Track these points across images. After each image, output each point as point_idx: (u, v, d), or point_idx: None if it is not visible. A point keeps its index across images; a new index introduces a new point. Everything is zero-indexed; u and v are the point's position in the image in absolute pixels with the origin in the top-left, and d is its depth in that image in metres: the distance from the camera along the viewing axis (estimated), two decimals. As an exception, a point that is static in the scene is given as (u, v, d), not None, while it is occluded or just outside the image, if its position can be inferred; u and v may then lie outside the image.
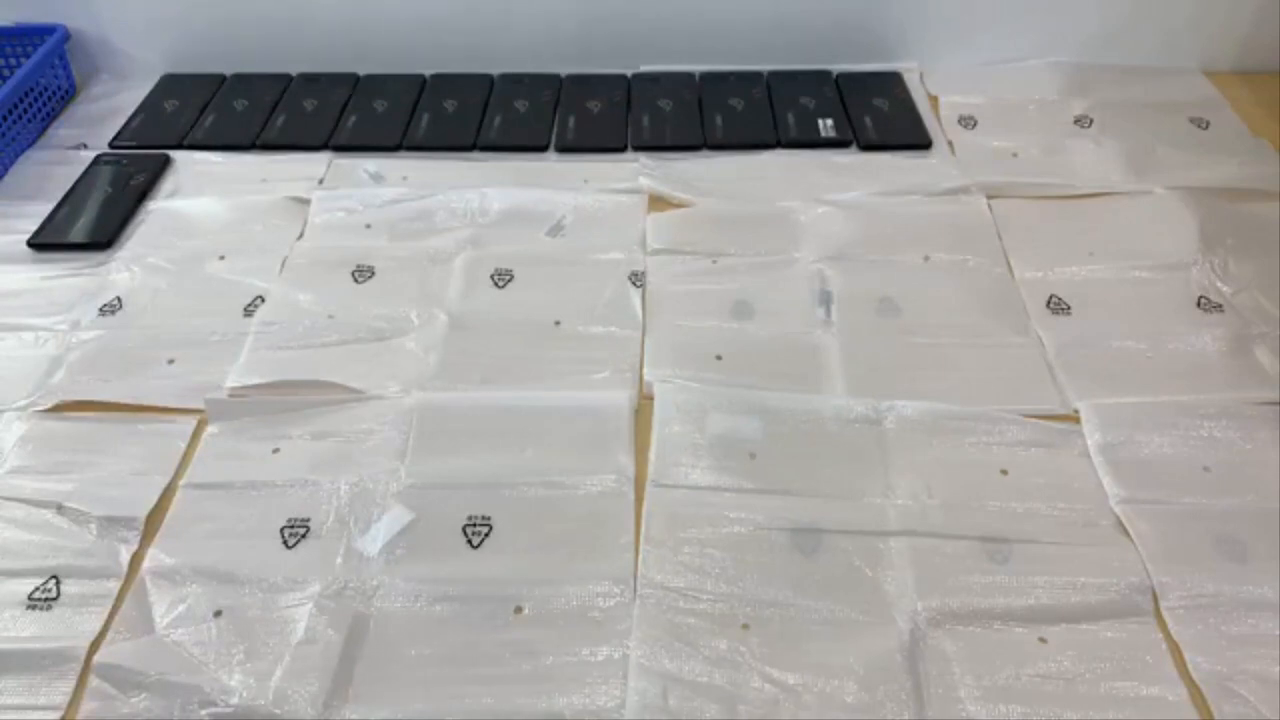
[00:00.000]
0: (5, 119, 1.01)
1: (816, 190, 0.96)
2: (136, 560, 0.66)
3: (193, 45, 1.15)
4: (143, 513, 0.69)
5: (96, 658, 0.60)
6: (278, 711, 0.57)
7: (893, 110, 1.06)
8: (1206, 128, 1.04)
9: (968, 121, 1.05)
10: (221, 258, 0.91)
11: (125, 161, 1.02)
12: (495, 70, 1.14)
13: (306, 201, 0.97)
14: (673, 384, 0.76)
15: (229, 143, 1.05)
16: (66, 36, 1.13)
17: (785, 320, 0.83)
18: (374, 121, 1.07)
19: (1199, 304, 0.83)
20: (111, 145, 1.05)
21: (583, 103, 1.09)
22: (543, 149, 1.04)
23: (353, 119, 1.07)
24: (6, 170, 1.02)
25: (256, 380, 0.78)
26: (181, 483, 0.71)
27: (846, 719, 0.57)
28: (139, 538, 0.67)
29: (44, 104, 1.09)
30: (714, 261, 0.88)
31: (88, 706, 0.59)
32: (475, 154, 1.04)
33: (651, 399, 0.76)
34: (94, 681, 0.60)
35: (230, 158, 1.04)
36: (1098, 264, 0.87)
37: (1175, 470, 0.70)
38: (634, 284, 0.86)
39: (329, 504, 0.69)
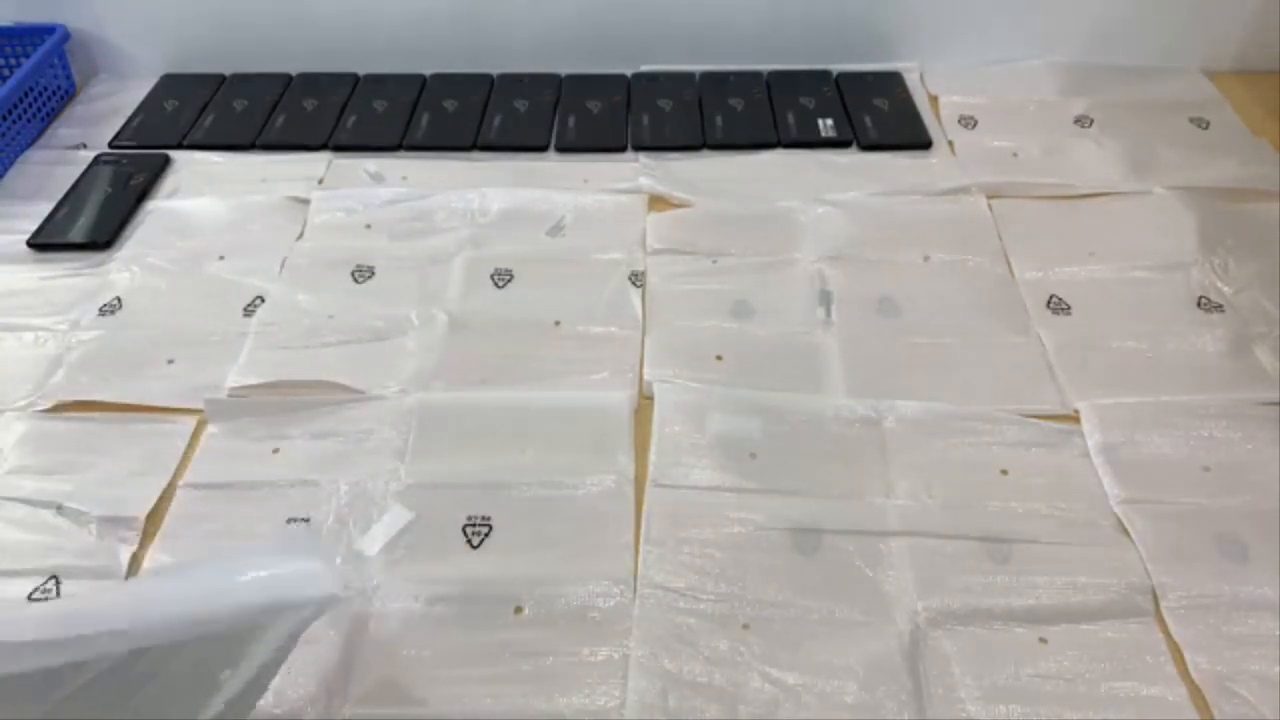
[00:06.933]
0: (5, 119, 1.01)
1: (816, 190, 0.96)
2: (136, 560, 0.66)
3: (193, 45, 1.15)
4: (142, 513, 0.69)
5: (96, 658, 0.60)
6: (278, 711, 0.57)
7: (893, 110, 1.06)
8: (1206, 128, 1.04)
9: (968, 121, 1.05)
10: (221, 258, 0.91)
11: (125, 161, 1.02)
12: (495, 70, 1.14)
13: (306, 201, 0.97)
14: (673, 384, 0.76)
15: (229, 143, 1.05)
16: (66, 36, 1.12)
17: (785, 320, 0.83)
18: (374, 121, 1.07)
19: (1199, 304, 0.83)
20: (111, 145, 1.05)
21: (583, 103, 1.09)
22: (543, 149, 1.04)
23: (353, 119, 1.07)
24: (6, 170, 1.02)
25: (256, 380, 0.78)
26: (181, 483, 0.71)
27: (846, 719, 0.57)
28: (139, 538, 0.67)
29: (44, 104, 1.09)
30: (714, 261, 0.88)
31: (87, 706, 0.59)
32: (475, 154, 1.04)
33: (651, 399, 0.76)
34: (94, 681, 0.60)
35: (230, 158, 1.04)
36: (1098, 264, 0.87)
37: (1175, 470, 0.70)
38: (634, 284, 0.86)
39: (329, 504, 0.69)
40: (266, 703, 0.57)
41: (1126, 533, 0.66)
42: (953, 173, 0.98)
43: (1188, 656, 0.60)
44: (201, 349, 0.81)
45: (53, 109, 1.11)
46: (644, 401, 0.76)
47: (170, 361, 0.81)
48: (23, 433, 0.75)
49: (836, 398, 0.76)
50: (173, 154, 1.04)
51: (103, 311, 0.85)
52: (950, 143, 1.03)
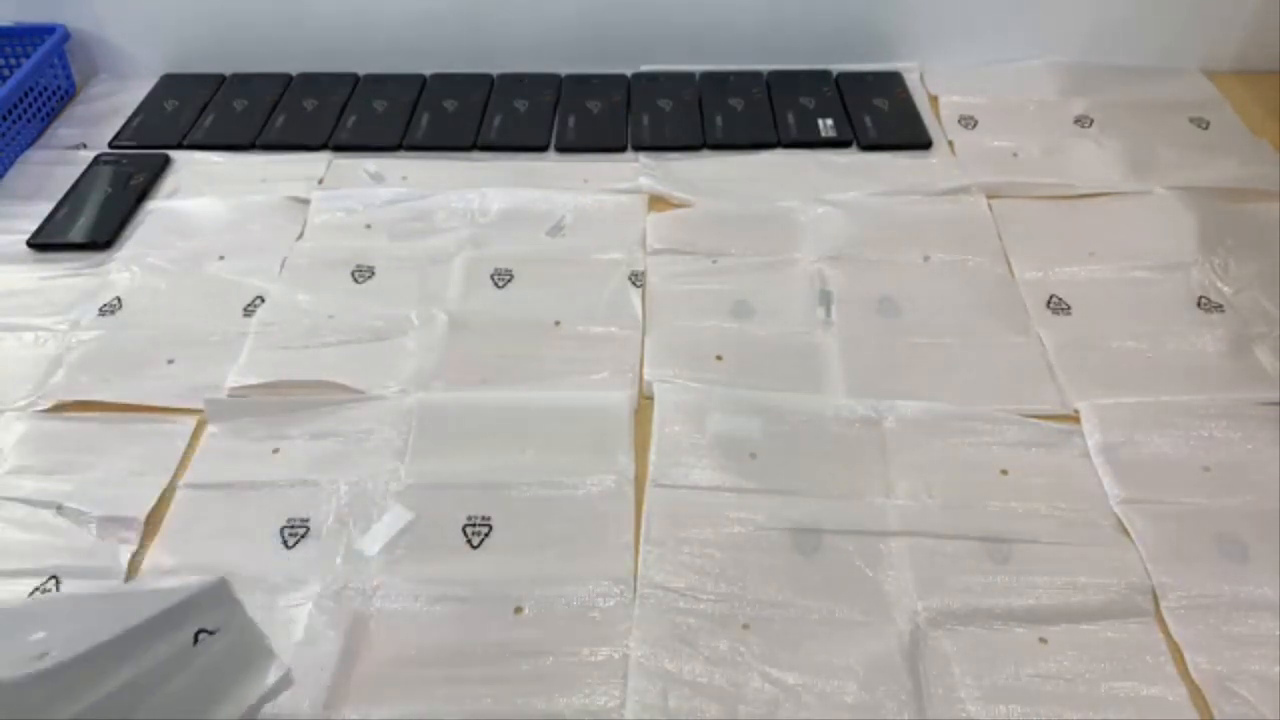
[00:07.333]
0: (5, 119, 1.01)
1: (816, 190, 0.96)
2: (136, 560, 0.66)
3: (193, 45, 1.15)
4: (142, 513, 0.69)
5: (96, 658, 0.60)
6: (278, 712, 0.57)
7: (893, 110, 1.06)
8: (1206, 128, 1.04)
9: (968, 121, 1.05)
10: (221, 258, 0.91)
11: (125, 161, 1.02)
12: (495, 70, 1.14)
13: (306, 201, 0.97)
14: (673, 384, 0.76)
15: (229, 143, 1.05)
16: (66, 36, 1.12)
17: (785, 320, 0.83)
18: (374, 121, 1.07)
19: (1199, 304, 0.83)
20: (111, 145, 1.05)
21: (583, 103, 1.09)
22: (543, 149, 1.04)
23: (353, 119, 1.07)
24: (6, 170, 1.02)
25: (256, 380, 0.78)
26: (181, 483, 0.71)
27: (846, 719, 0.57)
28: (139, 538, 0.67)
29: (44, 104, 1.09)
30: (714, 261, 0.88)
31: (87, 706, 0.58)
32: (475, 154, 1.04)
33: (651, 399, 0.76)
34: (94, 681, 0.59)
35: (230, 158, 1.04)
36: (1098, 264, 0.87)
37: (1175, 470, 0.70)
38: (634, 284, 0.86)
39: (329, 504, 0.69)
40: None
41: (1126, 533, 0.66)
42: (953, 173, 0.98)
43: (1188, 656, 0.60)
44: (201, 349, 0.81)
45: (53, 109, 1.11)
46: (644, 401, 0.76)
47: (170, 361, 0.81)
48: (23, 433, 0.75)
49: (836, 398, 0.76)
50: (173, 154, 1.04)
51: (103, 311, 0.85)
52: (950, 143, 1.03)
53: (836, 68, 1.13)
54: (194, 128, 1.07)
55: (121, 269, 0.89)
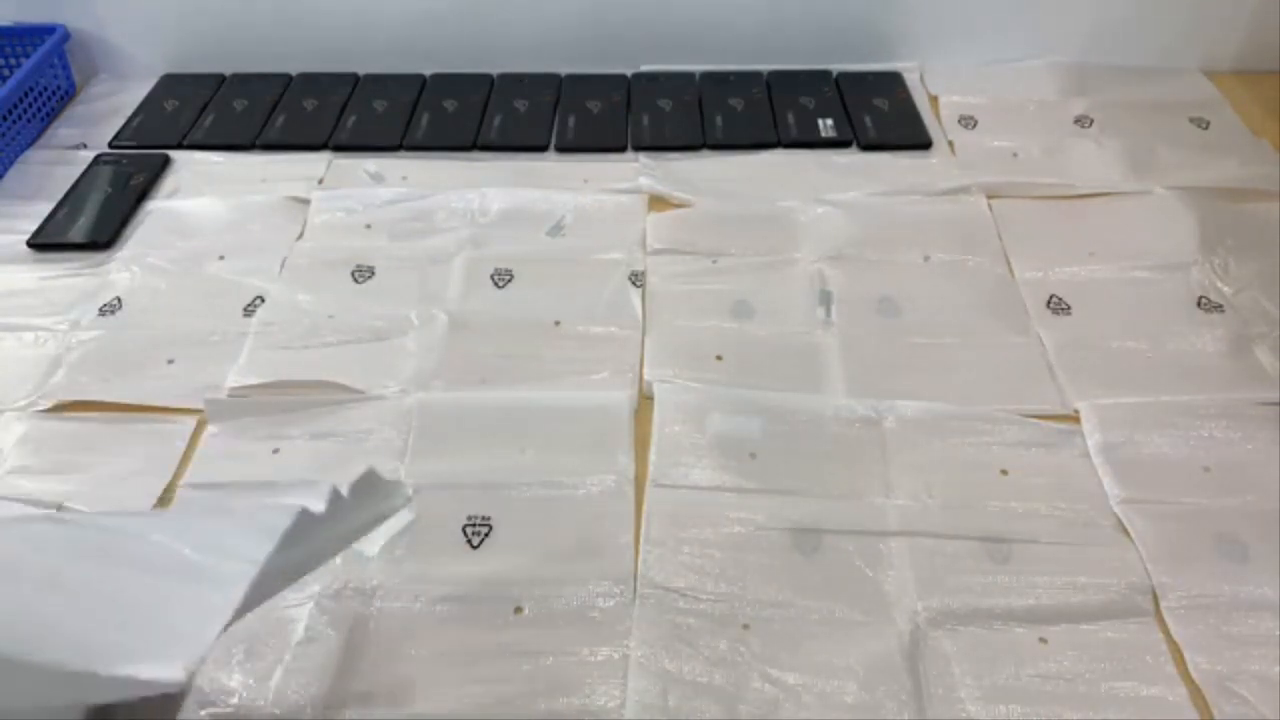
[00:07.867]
0: (5, 119, 1.01)
1: (816, 190, 0.96)
2: (136, 560, 0.66)
3: (193, 45, 1.15)
4: (143, 513, 0.69)
5: (96, 658, 0.60)
6: (278, 711, 0.57)
7: (893, 110, 1.06)
8: (1206, 128, 1.04)
9: (968, 121, 1.05)
10: (221, 258, 0.91)
11: (125, 161, 1.02)
12: (495, 70, 1.14)
13: (306, 201, 0.97)
14: (673, 384, 0.76)
15: (229, 143, 1.05)
16: (66, 36, 1.12)
17: (785, 320, 0.83)
18: (374, 121, 1.07)
19: (1199, 304, 0.83)
20: (111, 145, 1.05)
21: (583, 103, 1.09)
22: (543, 149, 1.04)
23: (353, 119, 1.07)
24: (6, 170, 1.02)
25: (256, 380, 0.78)
26: (181, 483, 0.71)
27: (846, 719, 0.57)
28: (139, 538, 0.67)
29: (44, 104, 1.09)
30: (714, 261, 0.88)
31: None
32: (475, 154, 1.04)
33: (651, 399, 0.76)
34: (94, 681, 0.59)
35: (230, 158, 1.04)
36: (1098, 264, 0.87)
37: (1175, 470, 0.70)
38: (634, 284, 0.86)
39: (329, 504, 0.69)
40: (266, 702, 0.57)
41: (1126, 533, 0.66)
42: (953, 173, 0.98)
43: (1188, 656, 0.60)
44: (201, 349, 0.81)
45: (53, 109, 1.11)
46: (644, 401, 0.76)
47: (170, 361, 0.81)
48: (23, 433, 0.75)
49: (836, 398, 0.76)
50: (173, 154, 1.04)
51: (103, 311, 0.85)
52: (950, 143, 1.03)
53: (836, 68, 1.13)
54: (194, 128, 1.07)
55: (121, 269, 0.89)
